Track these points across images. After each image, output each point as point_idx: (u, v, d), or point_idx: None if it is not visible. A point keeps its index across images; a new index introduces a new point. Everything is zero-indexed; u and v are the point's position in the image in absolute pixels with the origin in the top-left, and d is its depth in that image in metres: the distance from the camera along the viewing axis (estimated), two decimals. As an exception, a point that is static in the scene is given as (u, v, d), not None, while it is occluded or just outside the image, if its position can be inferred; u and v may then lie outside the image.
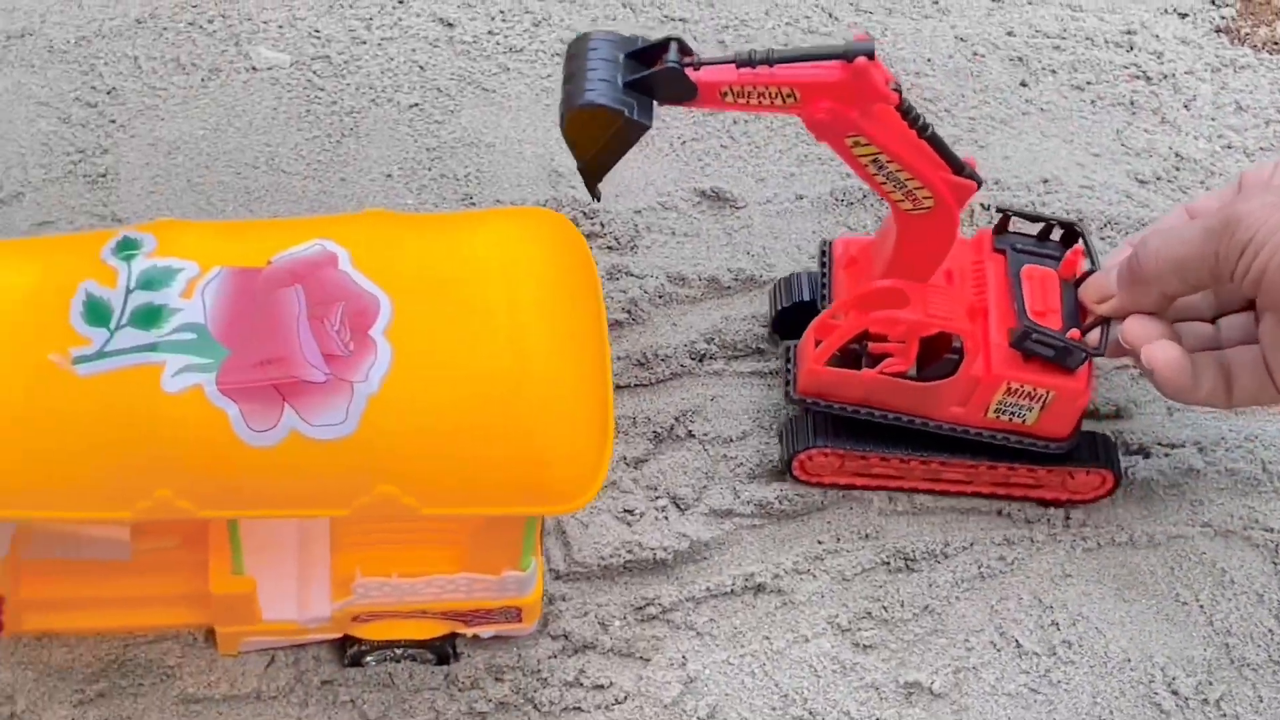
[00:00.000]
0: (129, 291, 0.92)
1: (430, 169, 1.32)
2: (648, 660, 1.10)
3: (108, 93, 1.36)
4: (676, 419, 1.19)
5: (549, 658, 1.09)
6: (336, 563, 1.04)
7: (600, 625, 1.11)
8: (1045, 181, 1.34)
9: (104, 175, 1.31)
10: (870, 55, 0.96)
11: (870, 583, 1.13)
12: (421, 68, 1.39)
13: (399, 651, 1.08)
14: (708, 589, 1.12)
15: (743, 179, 1.34)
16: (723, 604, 1.12)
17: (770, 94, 0.98)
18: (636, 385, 1.21)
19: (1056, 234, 1.14)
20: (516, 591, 1.04)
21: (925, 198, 1.02)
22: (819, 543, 1.15)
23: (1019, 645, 1.10)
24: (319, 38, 1.40)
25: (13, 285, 0.93)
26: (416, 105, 1.36)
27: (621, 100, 0.97)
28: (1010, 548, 1.14)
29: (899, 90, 0.98)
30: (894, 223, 1.06)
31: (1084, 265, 1.12)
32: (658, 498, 1.15)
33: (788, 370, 1.15)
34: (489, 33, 1.41)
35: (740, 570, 1.13)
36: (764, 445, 1.18)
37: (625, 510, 1.14)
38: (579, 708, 1.07)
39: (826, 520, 1.16)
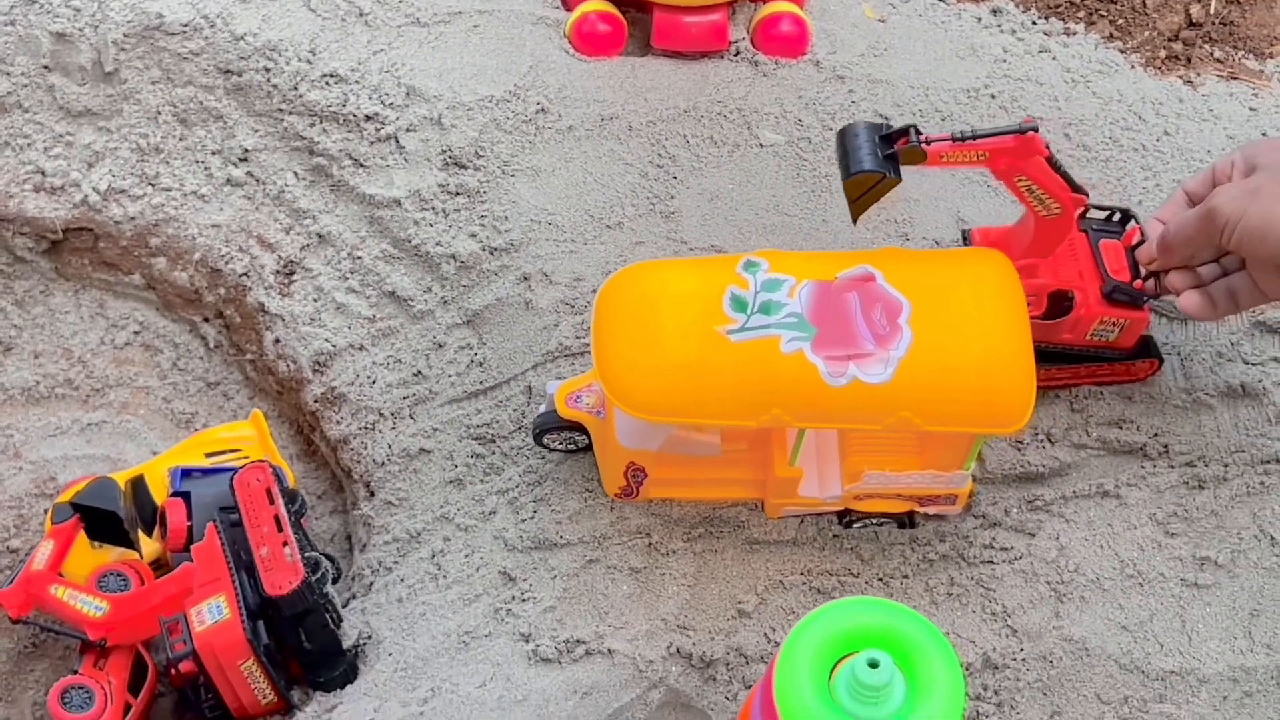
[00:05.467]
0: (756, 293, 1.32)
1: (878, 216, 1.67)
2: (1033, 535, 1.48)
3: (670, 159, 1.70)
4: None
5: (972, 529, 1.48)
6: (846, 463, 1.43)
7: (1004, 511, 1.49)
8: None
9: (673, 213, 1.66)
10: (1036, 130, 1.36)
11: (1175, 494, 1.50)
12: (870, 146, 1.75)
13: (875, 520, 1.48)
14: (1072, 492, 1.50)
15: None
16: (1081, 502, 1.49)
17: (971, 156, 1.37)
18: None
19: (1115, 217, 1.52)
20: (957, 485, 1.43)
21: (1055, 208, 1.42)
22: (1142, 467, 1.51)
23: (1273, 539, 1.47)
24: (801, 125, 1.75)
25: (687, 286, 1.34)
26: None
27: (882, 165, 1.36)
28: (1269, 476, 1.50)
29: (1048, 147, 1.37)
30: (1031, 223, 1.44)
31: (1136, 238, 1.50)
32: (1037, 434, 1.53)
33: None
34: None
35: (1091, 482, 1.51)
36: (1097, 396, 1.55)
37: (1017, 441, 1.53)
38: (991, 561, 1.46)
39: (1147, 453, 1.52)
